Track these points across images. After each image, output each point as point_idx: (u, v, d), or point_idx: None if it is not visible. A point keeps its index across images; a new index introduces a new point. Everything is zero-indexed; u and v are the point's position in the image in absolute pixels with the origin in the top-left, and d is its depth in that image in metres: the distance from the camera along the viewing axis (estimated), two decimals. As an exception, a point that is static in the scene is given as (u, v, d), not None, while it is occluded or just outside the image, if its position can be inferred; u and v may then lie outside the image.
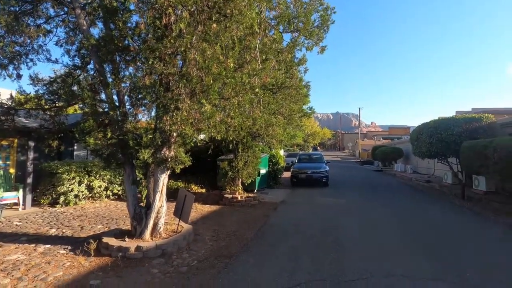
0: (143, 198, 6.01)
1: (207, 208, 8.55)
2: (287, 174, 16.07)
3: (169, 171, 5.15)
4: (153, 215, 4.99)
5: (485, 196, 9.63)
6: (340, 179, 16.33)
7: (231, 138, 5.87)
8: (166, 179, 5.18)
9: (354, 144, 59.42)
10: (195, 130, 4.52)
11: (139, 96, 4.06)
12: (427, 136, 11.84)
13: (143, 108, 5.13)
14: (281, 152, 16.47)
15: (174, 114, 4.22)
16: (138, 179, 5.49)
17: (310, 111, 9.58)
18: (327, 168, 13.45)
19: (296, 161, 15.53)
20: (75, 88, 5.69)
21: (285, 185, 13.60)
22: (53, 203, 8.19)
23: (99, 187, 8.92)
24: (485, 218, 7.59)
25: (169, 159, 4.89)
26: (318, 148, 70.27)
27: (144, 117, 5.41)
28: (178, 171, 5.15)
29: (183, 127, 4.32)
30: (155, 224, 5.05)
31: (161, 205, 5.10)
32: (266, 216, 7.65)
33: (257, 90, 4.64)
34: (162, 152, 4.86)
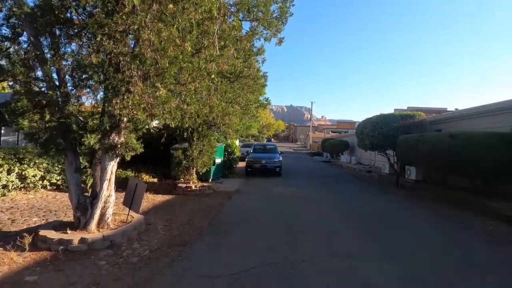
0: (88, 187, 5.56)
1: (160, 198, 8.26)
2: (242, 164, 16.23)
3: (118, 159, 4.83)
4: (100, 205, 4.66)
5: (415, 184, 10.95)
6: (292, 169, 17.03)
7: (186, 126, 5.71)
8: (115, 167, 4.87)
9: (306, 137, 62.26)
10: (148, 115, 4.30)
11: (84, 76, 3.70)
12: (370, 130, 12.95)
13: (88, 90, 4.72)
14: (236, 142, 16.53)
15: (125, 97, 3.96)
16: (82, 167, 5.06)
17: (266, 102, 9.74)
18: (281, 158, 13.92)
19: (251, 151, 15.76)
20: (3, 62, 4.95)
21: (240, 175, 13.74)
22: (-25, 195, 7.13)
23: (34, 176, 7.99)
24: (414, 203, 8.68)
25: (119, 146, 4.59)
26: (272, 139, 72.02)
27: (88, 100, 4.96)
28: (128, 158, 4.87)
29: (135, 111, 4.08)
30: (102, 215, 4.74)
31: (109, 195, 4.79)
32: (220, 205, 7.68)
33: (213, 76, 4.56)
34: (111, 137, 4.54)
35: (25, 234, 4.38)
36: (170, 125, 7.78)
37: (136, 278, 3.52)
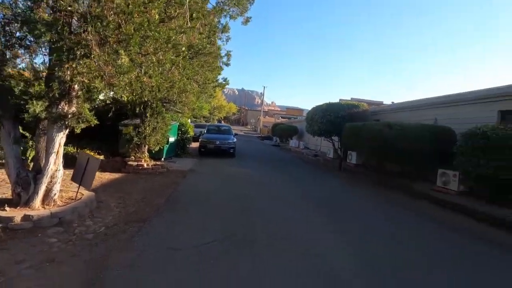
0: (29, 161, 4.98)
1: (108, 176, 7.77)
2: (194, 144, 15.97)
3: (67, 131, 4.42)
4: (45, 180, 4.26)
5: (355, 168, 12.18)
6: (244, 152, 17.35)
7: (145, 99, 5.41)
8: (64, 139, 4.45)
9: (257, 121, 63.28)
10: (106, 84, 4.00)
11: (36, 32, 3.23)
12: (319, 117, 13.84)
13: (24, 51, 4.17)
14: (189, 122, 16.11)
15: (81, 62, 3.61)
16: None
17: (224, 82, 9.63)
18: (235, 140, 14.06)
19: (205, 131, 15.55)
20: None
21: (193, 155, 13.54)
22: None
23: None
24: (352, 184, 9.74)
25: (69, 116, 4.20)
26: (223, 121, 71.50)
27: (24, 62, 4.36)
28: (78, 131, 4.51)
29: (92, 79, 3.76)
30: (49, 191, 4.35)
31: (57, 169, 4.39)
32: (175, 183, 7.57)
33: (183, 49, 4.37)
34: (60, 106, 4.12)
35: (-51, 212, 3.82)
36: (123, 99, 7.29)
37: (94, 254, 3.38)
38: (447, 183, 7.88)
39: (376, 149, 9.90)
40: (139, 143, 8.91)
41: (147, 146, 9.21)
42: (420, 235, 5.02)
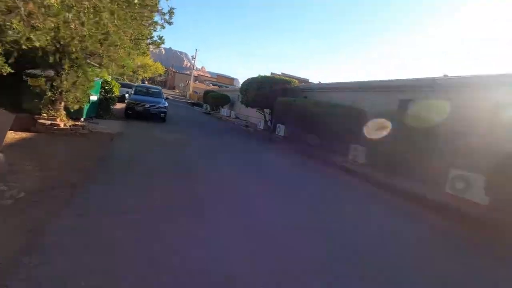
0: None
1: (14, 135, 6.60)
2: (119, 106, 14.52)
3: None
4: None
5: (283, 139, 13.20)
6: (175, 117, 16.67)
7: (74, 50, 4.67)
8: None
9: (186, 85, 60.28)
10: (27, 26, 3.34)
11: None
12: (254, 89, 14.21)
13: None
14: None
15: (-5, -6, 2.91)
16: None
17: (159, 41, 8.78)
18: (166, 104, 13.32)
19: (133, 92, 14.20)
20: None
21: (117, 117, 12.32)
22: None
23: None
24: (278, 152, 10.72)
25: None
26: (146, 82, 65.57)
27: None
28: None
29: (9, 18, 3.10)
30: None
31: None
32: (102, 146, 6.96)
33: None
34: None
35: None
36: (34, 43, 6.23)
37: (19, 221, 3.04)
38: (356, 156, 9.40)
39: (303, 123, 10.91)
40: (54, 99, 7.68)
41: (63, 103, 8.01)
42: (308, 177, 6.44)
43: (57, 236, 2.82)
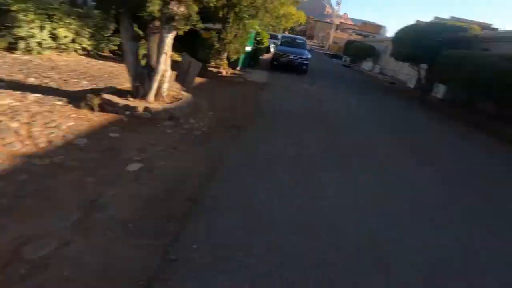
0: (139, 58, 5.48)
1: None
2: (265, 56, 15.60)
3: (175, 33, 4.60)
4: (157, 78, 4.73)
5: (440, 103, 10.96)
6: (313, 70, 16.52)
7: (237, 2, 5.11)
8: (172, 41, 4.68)
9: (325, 35, 57.40)
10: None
11: None
12: (411, 40, 11.90)
13: None
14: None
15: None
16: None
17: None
18: (310, 55, 13.26)
19: (279, 43, 14.82)
20: None
21: (263, 67, 13.38)
22: (11, 48, 7.01)
23: (65, 37, 7.69)
24: (433, 117, 8.99)
25: (177, 18, 4.30)
26: (286, 33, 66.25)
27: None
28: (181, 33, 4.66)
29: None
30: (159, 88, 4.87)
31: (166, 69, 4.79)
32: (255, 94, 7.83)
33: None
34: (170, 6, 4.20)
35: (88, 94, 4.59)
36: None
37: (208, 149, 3.95)
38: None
39: (477, 85, 8.52)
40: (220, 49, 8.96)
41: (226, 54, 9.27)
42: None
43: (230, 167, 3.57)
